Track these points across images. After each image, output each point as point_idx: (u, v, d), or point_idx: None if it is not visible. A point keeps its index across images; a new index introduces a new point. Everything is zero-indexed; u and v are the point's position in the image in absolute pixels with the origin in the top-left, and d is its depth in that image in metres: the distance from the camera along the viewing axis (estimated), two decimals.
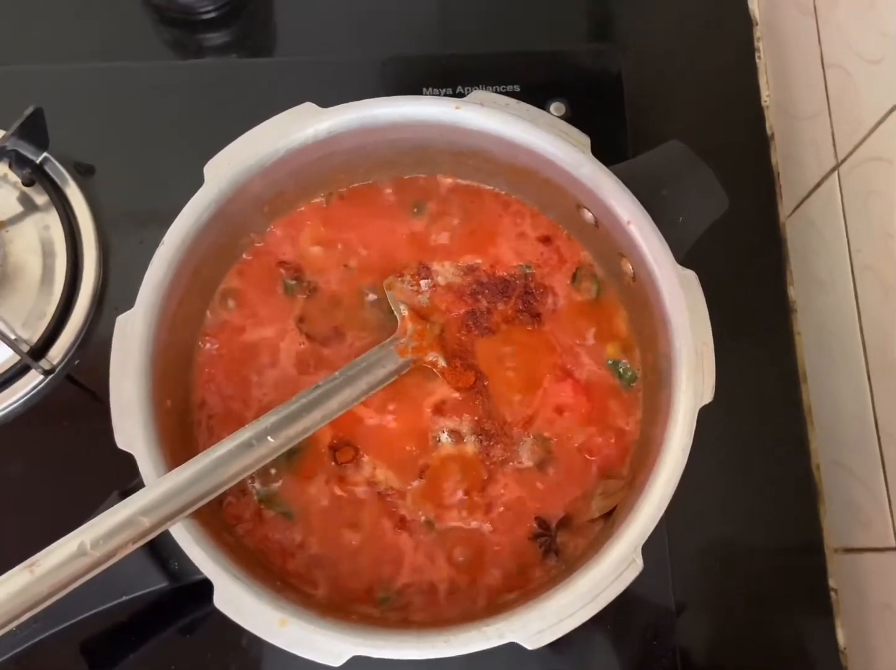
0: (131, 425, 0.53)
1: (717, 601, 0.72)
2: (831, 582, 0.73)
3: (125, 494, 0.55)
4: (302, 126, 0.57)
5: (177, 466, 0.53)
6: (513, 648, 0.52)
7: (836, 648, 0.72)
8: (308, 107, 0.58)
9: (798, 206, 0.79)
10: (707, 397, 0.54)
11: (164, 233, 0.58)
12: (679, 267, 0.55)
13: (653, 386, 0.59)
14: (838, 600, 0.74)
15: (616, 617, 0.69)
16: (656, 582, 0.70)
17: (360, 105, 0.58)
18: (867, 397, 0.69)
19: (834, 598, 0.74)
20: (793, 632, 0.72)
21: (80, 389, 0.73)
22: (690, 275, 0.55)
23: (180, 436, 0.58)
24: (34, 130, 0.74)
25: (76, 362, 0.73)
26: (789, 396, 0.77)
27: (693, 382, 0.53)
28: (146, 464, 0.52)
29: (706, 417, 0.55)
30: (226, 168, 0.57)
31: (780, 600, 0.73)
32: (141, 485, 0.53)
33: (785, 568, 0.74)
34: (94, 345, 0.74)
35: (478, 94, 0.59)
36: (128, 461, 0.54)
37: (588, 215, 0.60)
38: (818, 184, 0.75)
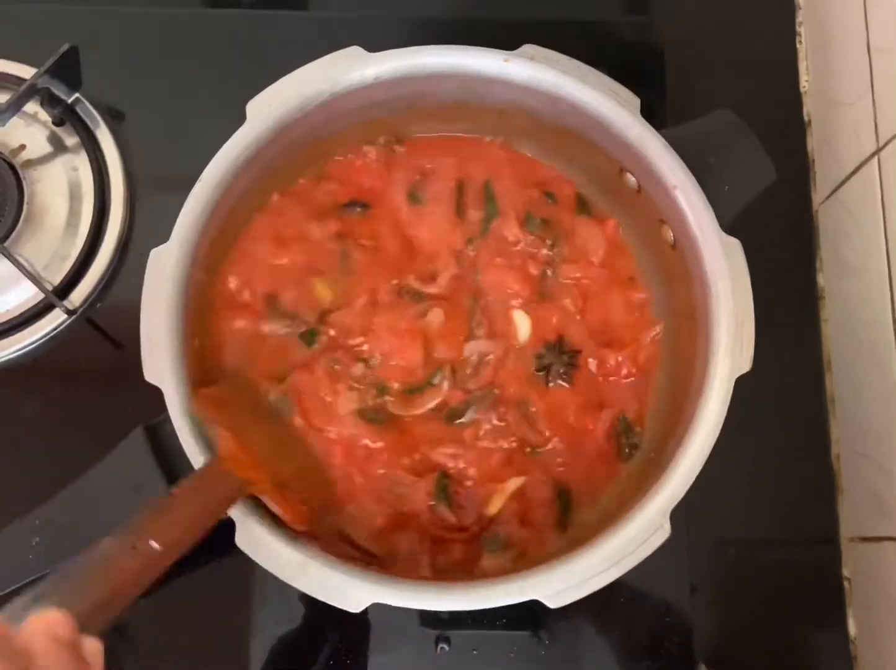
0: (160, 358, 0.52)
1: (729, 585, 0.72)
2: (845, 572, 0.73)
3: (150, 429, 0.54)
4: (347, 69, 0.56)
5: (203, 405, 0.52)
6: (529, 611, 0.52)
7: (846, 637, 0.72)
8: (354, 50, 0.57)
9: (833, 193, 0.79)
10: (745, 366, 0.53)
11: (192, 183, 0.57)
12: (723, 234, 0.54)
13: (687, 358, 0.58)
14: (851, 589, 0.73)
15: (630, 593, 0.69)
16: (672, 563, 0.69)
17: (408, 52, 0.57)
18: (894, 385, 0.68)
19: (846, 587, 0.73)
20: (803, 620, 0.72)
21: (101, 333, 0.73)
22: (734, 242, 0.54)
23: (203, 378, 0.57)
24: (68, 69, 0.73)
25: (98, 305, 0.73)
26: (813, 384, 0.76)
27: (731, 350, 0.53)
28: (174, 397, 0.51)
29: None
30: (268, 107, 0.56)
31: (792, 587, 0.72)
32: (166, 420, 0.53)
33: (799, 556, 0.73)
34: (117, 289, 0.73)
35: (528, 48, 0.58)
36: (147, 400, 0.54)
37: (631, 180, 0.59)
38: (856, 170, 0.74)
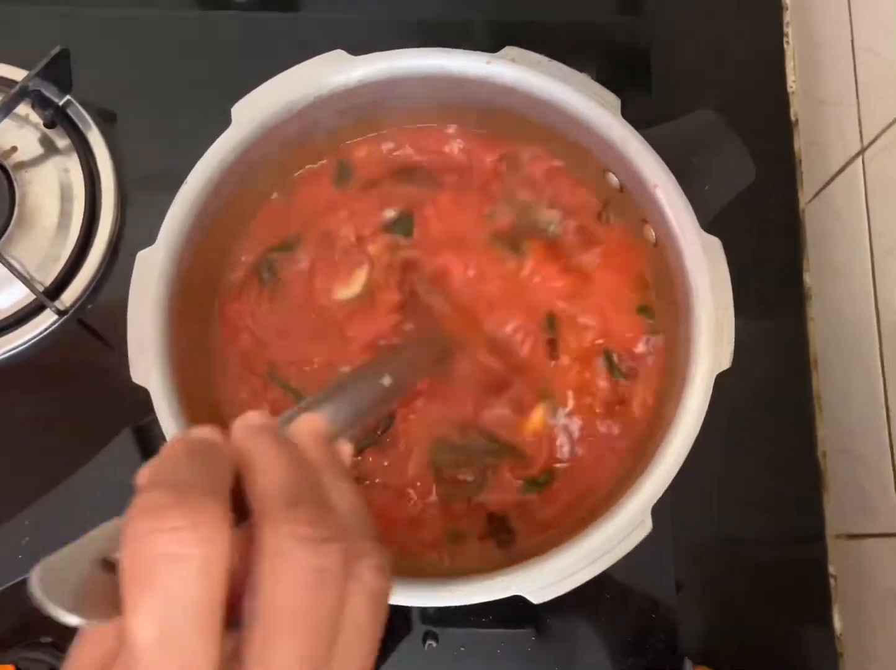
0: (147, 360, 0.53)
1: (715, 582, 0.72)
2: (831, 569, 0.73)
3: (138, 430, 0.55)
4: (332, 72, 0.57)
5: (191, 404, 0.53)
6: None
7: (832, 633, 0.72)
8: (339, 54, 0.57)
9: (819, 192, 0.79)
10: (724, 363, 0.54)
11: (183, 183, 0.57)
12: (703, 233, 0.55)
13: (671, 352, 0.59)
14: (837, 586, 0.74)
15: (616, 589, 0.69)
16: (658, 560, 0.70)
17: (391, 55, 0.57)
18: (879, 383, 0.69)
19: (833, 585, 0.73)
20: (790, 617, 0.72)
21: (92, 334, 0.73)
22: (714, 241, 0.55)
23: (195, 374, 0.58)
24: (59, 71, 0.74)
25: (88, 306, 0.73)
26: (799, 382, 0.77)
27: (712, 347, 0.53)
28: (161, 399, 0.52)
29: (711, 399, 0.55)
30: (254, 110, 0.57)
31: (778, 584, 0.73)
32: (154, 422, 0.53)
33: (785, 554, 0.74)
34: (108, 290, 0.74)
35: (510, 49, 0.58)
36: (137, 402, 0.54)
37: (614, 179, 0.60)
38: (841, 170, 0.75)
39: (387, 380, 0.48)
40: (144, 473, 0.30)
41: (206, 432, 0.32)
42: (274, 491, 0.30)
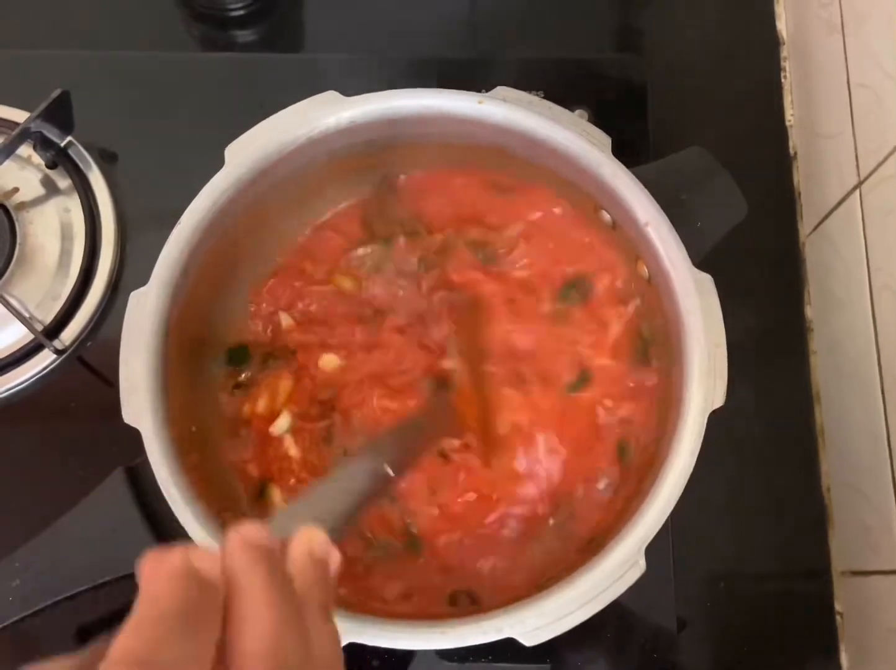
0: (138, 401, 0.53)
1: (719, 619, 0.71)
2: (837, 606, 0.72)
3: (129, 471, 0.55)
4: (324, 113, 0.57)
5: (181, 445, 0.53)
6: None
7: None
8: (331, 95, 0.58)
9: (818, 225, 0.79)
10: (718, 401, 0.53)
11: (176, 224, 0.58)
12: (695, 269, 0.55)
13: (664, 389, 0.59)
14: (843, 623, 0.73)
15: (617, 627, 0.68)
16: (659, 597, 0.69)
17: (383, 95, 0.58)
18: (881, 417, 0.68)
19: (839, 622, 0.72)
20: (796, 655, 0.71)
21: (91, 371, 0.74)
22: (706, 278, 0.55)
23: (189, 415, 0.58)
24: (60, 113, 0.74)
25: (88, 344, 0.74)
26: (802, 417, 0.76)
27: (704, 385, 0.53)
28: (152, 441, 0.52)
29: (715, 434, 0.54)
30: (246, 151, 0.57)
31: (783, 621, 0.71)
32: (145, 462, 0.53)
33: (790, 590, 0.73)
34: (107, 328, 0.74)
35: (501, 90, 0.59)
36: (132, 441, 0.54)
37: (606, 217, 0.60)
38: (839, 203, 0.74)
39: (387, 469, 0.45)
40: (122, 641, 0.27)
41: (202, 556, 0.30)
42: (257, 653, 0.28)
